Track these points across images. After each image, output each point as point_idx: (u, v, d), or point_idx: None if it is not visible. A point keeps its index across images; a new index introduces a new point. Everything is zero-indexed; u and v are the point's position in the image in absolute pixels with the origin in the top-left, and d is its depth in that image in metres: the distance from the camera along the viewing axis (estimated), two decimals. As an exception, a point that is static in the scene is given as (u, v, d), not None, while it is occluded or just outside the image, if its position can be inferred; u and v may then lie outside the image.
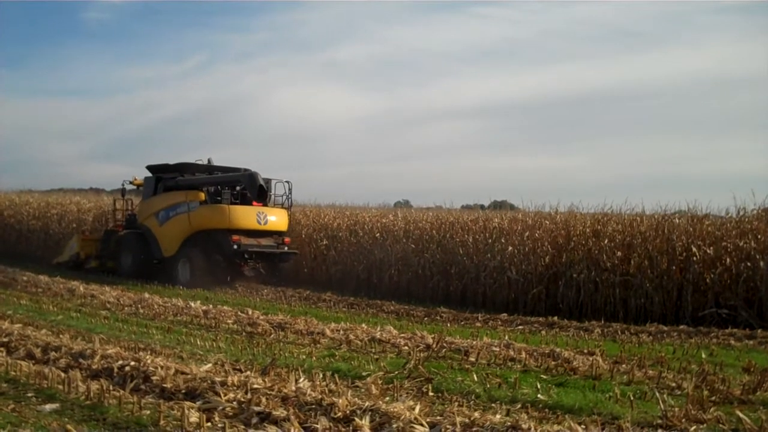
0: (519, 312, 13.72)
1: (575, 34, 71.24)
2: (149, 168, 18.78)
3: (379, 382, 6.13)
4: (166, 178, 18.11)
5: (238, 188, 17.30)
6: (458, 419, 4.64)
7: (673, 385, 6.45)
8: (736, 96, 63.92)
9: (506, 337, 9.10)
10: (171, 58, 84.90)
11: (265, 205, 17.25)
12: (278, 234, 17.26)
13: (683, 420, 5.01)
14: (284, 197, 17.95)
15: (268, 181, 17.14)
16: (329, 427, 4.68)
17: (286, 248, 17.21)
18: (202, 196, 17.08)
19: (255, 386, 5.55)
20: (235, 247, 16.17)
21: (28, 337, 7.89)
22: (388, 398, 5.53)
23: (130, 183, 20.13)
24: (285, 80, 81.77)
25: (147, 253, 17.80)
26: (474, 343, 8.34)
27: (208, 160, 18.43)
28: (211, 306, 11.94)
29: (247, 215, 16.71)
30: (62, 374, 6.09)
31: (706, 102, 66.30)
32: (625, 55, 70.80)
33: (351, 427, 4.66)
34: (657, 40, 67.76)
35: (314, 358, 7.68)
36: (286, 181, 17.93)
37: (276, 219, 17.14)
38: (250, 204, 16.99)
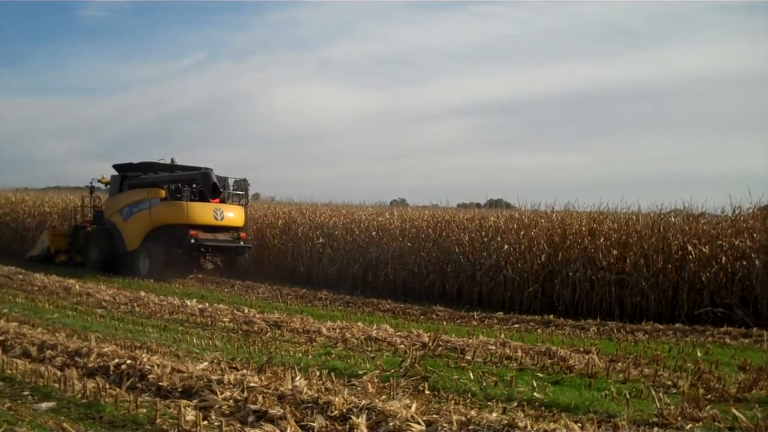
0: (515, 310, 13.70)
1: (575, 32, 71.35)
2: (115, 167, 19.59)
3: (376, 380, 6.14)
4: (130, 176, 18.91)
5: (195, 186, 18.01)
6: (454, 417, 4.65)
7: (669, 383, 6.47)
8: (736, 95, 64.10)
9: (502, 336, 9.08)
10: (169, 56, 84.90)
11: (223, 201, 18.11)
12: (234, 229, 18.11)
13: (679, 418, 5.02)
14: (237, 195, 18.85)
15: (223, 179, 18.12)
16: (326, 426, 4.68)
17: (242, 243, 18.05)
18: (163, 193, 17.86)
19: (251, 385, 5.55)
20: (193, 241, 16.99)
21: (24, 335, 7.88)
22: (384, 397, 5.53)
23: (98, 181, 20.70)
24: (282, 78, 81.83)
25: (113, 248, 18.45)
26: (470, 341, 8.35)
27: (171, 160, 19.18)
28: (207, 304, 11.92)
29: (204, 211, 17.53)
30: (58, 373, 6.09)
31: (705, 100, 66.47)
32: (624, 53, 70.96)
33: (347, 426, 4.67)
34: (657, 39, 67.95)
35: (310, 356, 7.68)
36: (243, 180, 19.01)
37: (233, 215, 18.06)
38: (208, 201, 17.66)
